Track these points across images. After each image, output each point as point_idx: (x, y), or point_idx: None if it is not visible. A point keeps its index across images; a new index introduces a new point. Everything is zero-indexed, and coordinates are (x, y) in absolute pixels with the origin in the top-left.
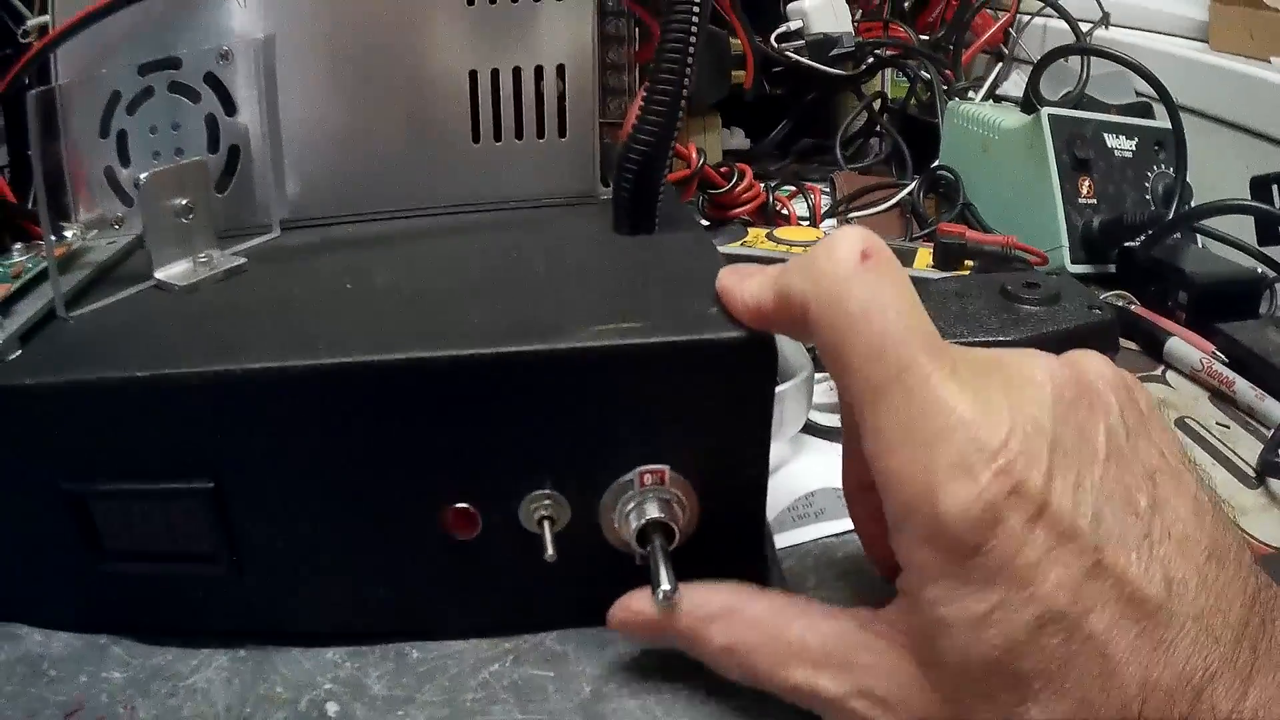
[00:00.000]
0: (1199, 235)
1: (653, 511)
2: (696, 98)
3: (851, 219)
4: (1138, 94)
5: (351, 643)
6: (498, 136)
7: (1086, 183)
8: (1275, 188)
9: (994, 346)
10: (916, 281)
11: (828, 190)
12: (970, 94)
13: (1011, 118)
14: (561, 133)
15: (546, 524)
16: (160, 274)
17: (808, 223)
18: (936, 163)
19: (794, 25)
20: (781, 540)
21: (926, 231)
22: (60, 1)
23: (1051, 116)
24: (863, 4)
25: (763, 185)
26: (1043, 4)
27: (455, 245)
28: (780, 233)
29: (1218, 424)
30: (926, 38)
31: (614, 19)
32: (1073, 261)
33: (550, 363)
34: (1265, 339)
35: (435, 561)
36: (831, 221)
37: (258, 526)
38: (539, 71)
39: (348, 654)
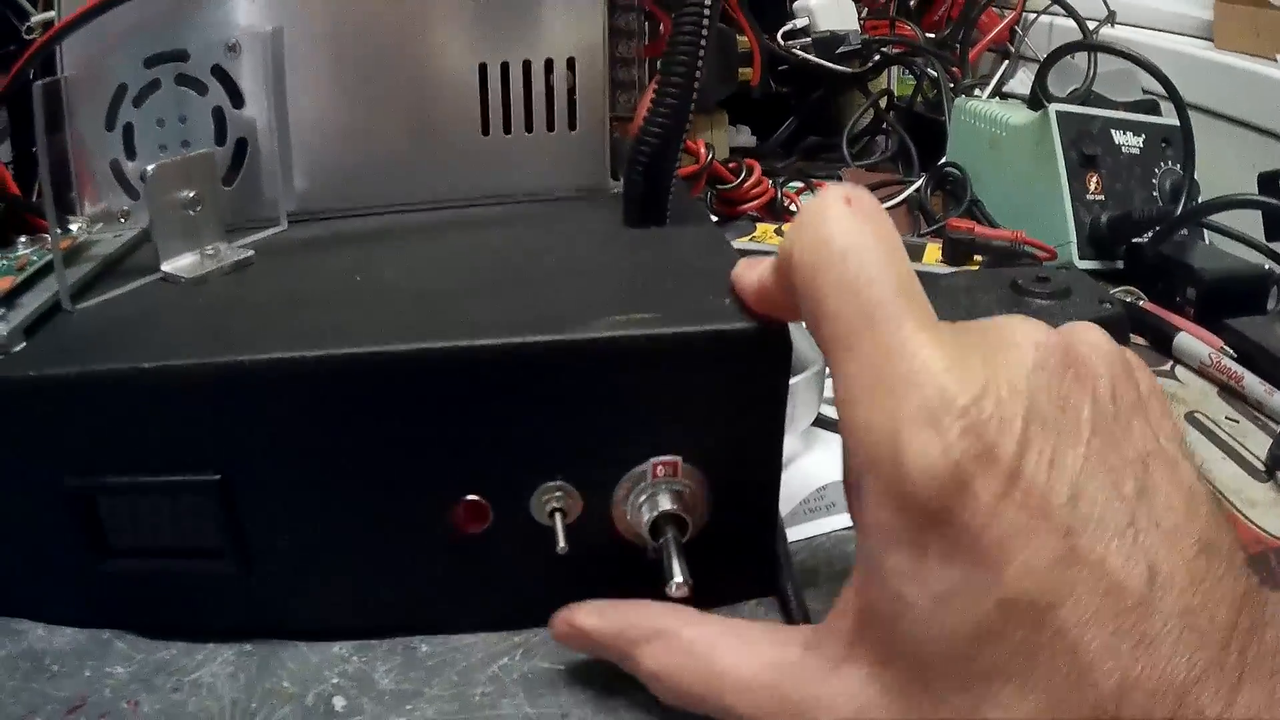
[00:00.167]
0: (1206, 231)
1: (665, 503)
2: (703, 95)
3: None
4: (1144, 91)
5: (359, 636)
6: (507, 130)
7: (1094, 179)
8: None
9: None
10: (925, 276)
11: None
12: (977, 91)
13: (1019, 114)
14: (572, 126)
15: (558, 516)
16: (167, 267)
17: None
18: (944, 160)
19: (800, 23)
20: (793, 534)
21: (935, 227)
22: None
23: (1059, 113)
24: (869, 2)
25: (771, 181)
26: (1049, 2)
27: (464, 238)
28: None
29: (1227, 418)
30: (933, 35)
31: (624, 13)
32: (1081, 258)
33: (562, 354)
34: (1273, 334)
35: (445, 554)
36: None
37: (265, 520)
38: (549, 64)
39: (355, 648)
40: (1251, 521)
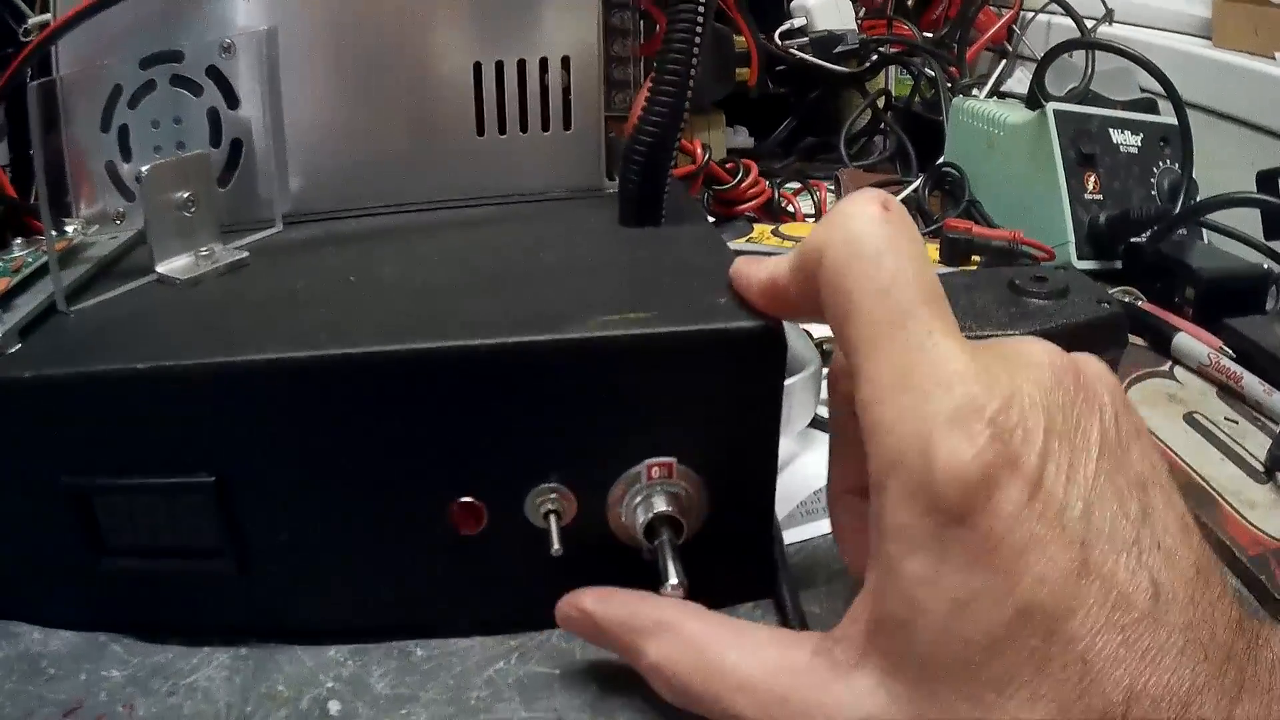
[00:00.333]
0: (1205, 230)
1: (660, 505)
2: (700, 95)
3: None
4: (1142, 89)
5: (354, 640)
6: (502, 129)
7: (1092, 178)
8: None
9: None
10: None
11: (833, 188)
12: (974, 91)
13: (1017, 114)
14: (566, 125)
15: (553, 518)
16: (162, 268)
17: (813, 219)
18: (941, 159)
19: (798, 22)
20: (790, 536)
21: (933, 228)
22: None
23: (1057, 112)
24: (866, 1)
25: (768, 182)
26: (1047, 0)
27: (460, 238)
28: (786, 229)
29: (1226, 419)
30: (930, 35)
31: (619, 11)
32: (1079, 257)
33: (557, 353)
34: (1272, 334)
35: (440, 556)
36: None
37: (260, 521)
38: (543, 64)
39: (350, 652)
40: (1251, 523)
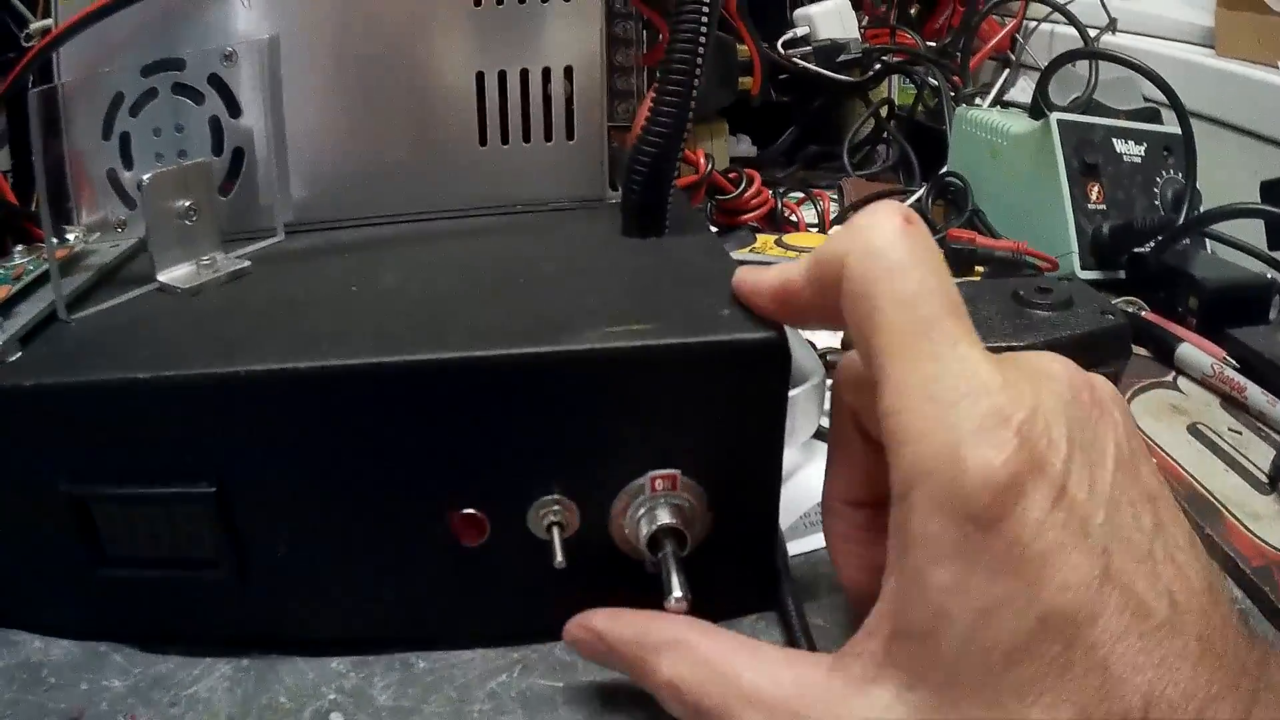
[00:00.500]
0: (1209, 240)
1: (664, 517)
2: (703, 104)
3: None
4: (1145, 99)
5: (356, 652)
6: (505, 139)
7: (1096, 188)
8: None
9: (1008, 351)
10: None
11: (836, 197)
12: (978, 100)
13: (1020, 123)
14: (569, 135)
15: (556, 530)
16: (163, 276)
17: (816, 229)
18: (945, 169)
19: (801, 32)
20: (793, 547)
21: (936, 238)
22: (63, 4)
23: (1060, 122)
24: (869, 10)
25: (771, 191)
26: (1050, 10)
27: (462, 248)
28: (789, 239)
29: (1230, 429)
30: (933, 44)
31: (622, 21)
32: (1083, 267)
33: (559, 364)
34: (1276, 344)
35: (442, 568)
36: (840, 228)
37: (261, 531)
38: (546, 73)
39: (352, 663)
40: (1254, 534)
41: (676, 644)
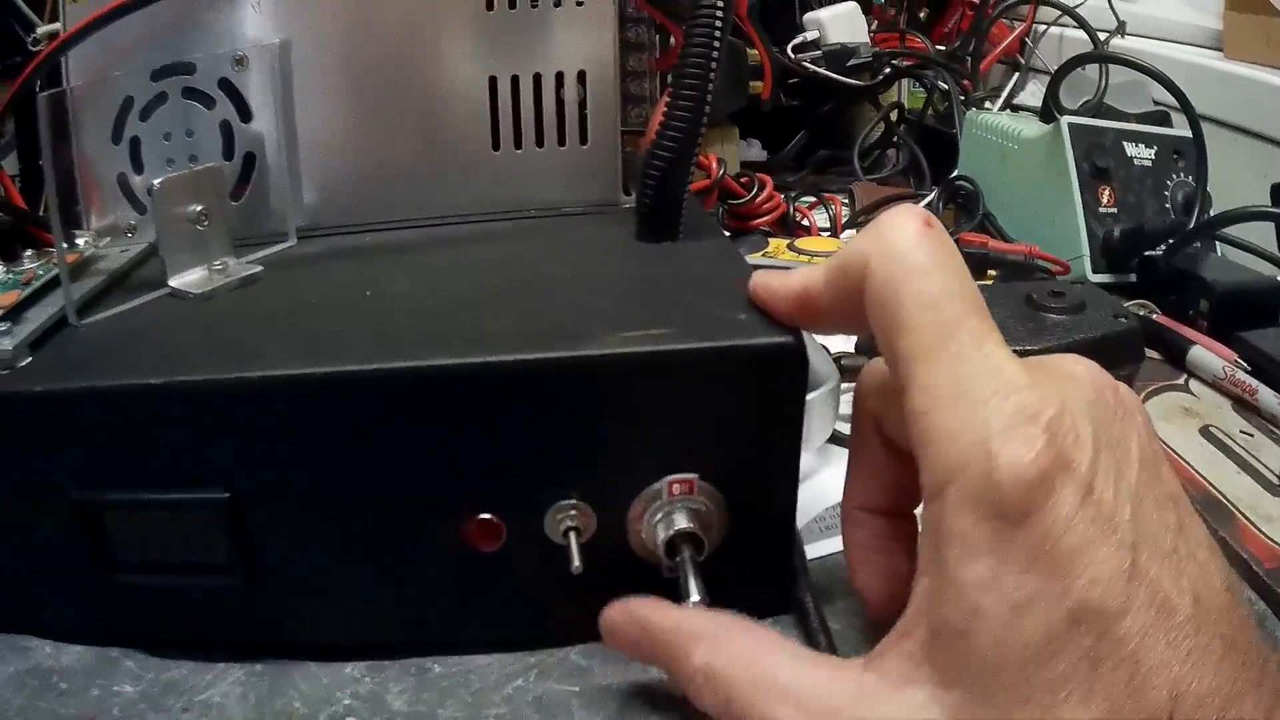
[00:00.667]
0: (1219, 243)
1: (682, 522)
2: (714, 109)
3: None
4: (1155, 102)
5: (371, 657)
6: (518, 144)
7: (1106, 192)
8: None
9: (1022, 355)
10: None
11: (847, 201)
12: (988, 104)
13: (1030, 127)
14: (583, 140)
15: (573, 535)
16: (174, 281)
17: (829, 233)
18: (955, 173)
19: (810, 36)
20: (809, 551)
21: None
22: (71, 8)
23: (1071, 125)
24: (879, 15)
25: (783, 196)
26: (1060, 13)
27: (476, 253)
28: (802, 243)
29: (1241, 432)
30: (943, 48)
31: (634, 26)
32: (1094, 271)
33: (576, 370)
34: None
35: (458, 573)
36: (851, 232)
37: (274, 537)
38: (559, 78)
39: (367, 668)
40: (1267, 536)
41: (713, 635)
